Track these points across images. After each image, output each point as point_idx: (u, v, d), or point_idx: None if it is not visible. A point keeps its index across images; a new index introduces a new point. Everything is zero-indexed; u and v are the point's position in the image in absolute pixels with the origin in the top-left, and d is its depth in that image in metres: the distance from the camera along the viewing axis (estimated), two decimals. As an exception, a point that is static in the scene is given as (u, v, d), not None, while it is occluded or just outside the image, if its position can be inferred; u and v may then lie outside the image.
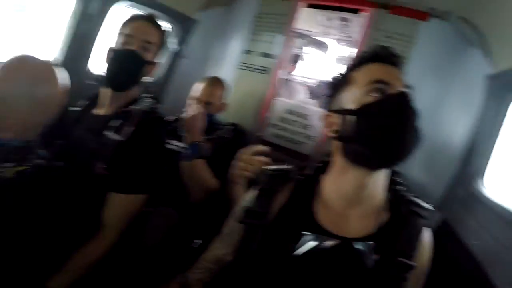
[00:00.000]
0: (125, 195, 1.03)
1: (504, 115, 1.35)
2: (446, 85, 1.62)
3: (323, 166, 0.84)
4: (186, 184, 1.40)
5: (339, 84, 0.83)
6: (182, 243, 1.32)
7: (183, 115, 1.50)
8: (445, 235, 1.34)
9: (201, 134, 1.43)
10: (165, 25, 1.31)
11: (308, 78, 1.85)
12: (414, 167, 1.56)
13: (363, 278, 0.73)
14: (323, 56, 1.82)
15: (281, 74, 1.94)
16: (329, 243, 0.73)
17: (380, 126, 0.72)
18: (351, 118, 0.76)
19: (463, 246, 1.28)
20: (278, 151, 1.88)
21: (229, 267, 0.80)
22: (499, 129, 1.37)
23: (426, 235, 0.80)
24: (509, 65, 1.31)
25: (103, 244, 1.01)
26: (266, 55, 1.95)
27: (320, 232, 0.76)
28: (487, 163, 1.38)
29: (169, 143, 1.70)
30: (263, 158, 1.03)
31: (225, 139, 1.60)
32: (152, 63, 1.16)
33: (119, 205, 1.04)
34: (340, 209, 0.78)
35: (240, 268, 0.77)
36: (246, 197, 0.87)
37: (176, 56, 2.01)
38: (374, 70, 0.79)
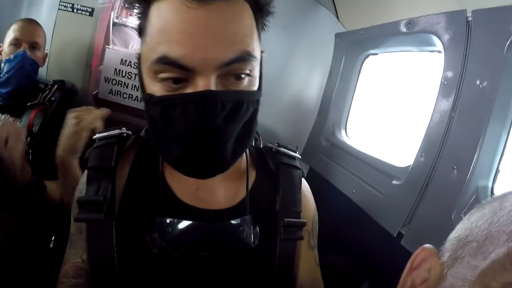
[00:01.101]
0: None
1: (358, 71, 1.47)
2: (294, 41, 1.62)
3: None
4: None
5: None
6: (35, 249, 1.03)
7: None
8: (316, 183, 1.45)
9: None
10: None
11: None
12: (275, 121, 1.62)
13: (253, 254, 0.59)
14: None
15: (112, 17, 1.66)
16: (201, 224, 0.56)
17: (167, 142, 0.52)
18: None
19: (340, 193, 1.29)
20: (118, 111, 1.69)
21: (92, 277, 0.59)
22: (355, 84, 1.48)
23: (304, 185, 0.69)
24: (355, 25, 1.39)
25: None
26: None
27: (184, 210, 0.58)
28: (347, 115, 1.52)
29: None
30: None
31: (53, 102, 1.34)
32: None
33: None
34: (194, 180, 0.58)
35: (100, 277, 0.57)
36: (81, 183, 0.63)
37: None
38: (166, 18, 0.46)
